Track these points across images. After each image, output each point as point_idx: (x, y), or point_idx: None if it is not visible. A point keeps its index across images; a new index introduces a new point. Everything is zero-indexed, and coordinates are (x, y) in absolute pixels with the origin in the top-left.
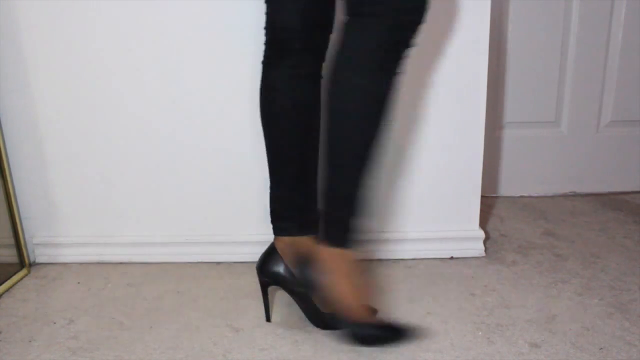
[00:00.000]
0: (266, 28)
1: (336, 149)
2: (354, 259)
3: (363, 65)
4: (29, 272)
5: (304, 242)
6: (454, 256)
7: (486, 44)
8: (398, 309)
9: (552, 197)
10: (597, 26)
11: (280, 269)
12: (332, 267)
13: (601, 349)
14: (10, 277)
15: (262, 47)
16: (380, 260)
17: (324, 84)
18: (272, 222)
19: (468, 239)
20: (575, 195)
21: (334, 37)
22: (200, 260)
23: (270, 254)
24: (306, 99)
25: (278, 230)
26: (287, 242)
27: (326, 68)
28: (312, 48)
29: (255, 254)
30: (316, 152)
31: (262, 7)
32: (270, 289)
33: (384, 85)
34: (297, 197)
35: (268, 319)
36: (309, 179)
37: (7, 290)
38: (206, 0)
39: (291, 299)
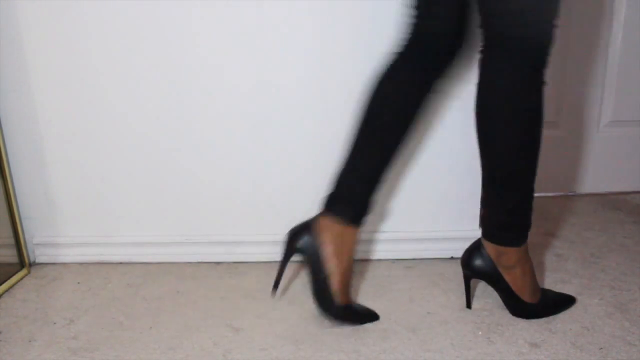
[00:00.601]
0: (413, 24)
1: (504, 169)
2: (526, 251)
3: (517, 94)
4: (29, 272)
5: (345, 231)
6: (454, 256)
7: None
8: (398, 308)
9: (552, 197)
10: (597, 26)
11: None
12: (514, 262)
13: (601, 348)
14: (10, 277)
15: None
16: (380, 260)
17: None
18: (329, 201)
19: (468, 239)
20: (575, 195)
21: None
22: (200, 260)
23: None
24: (419, 105)
25: (333, 210)
26: (327, 224)
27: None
28: (447, 59)
29: (255, 254)
30: (397, 157)
31: (264, 6)
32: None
33: (538, 103)
34: (366, 190)
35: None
36: (382, 178)
37: (7, 290)
38: (206, 1)
39: (290, 299)
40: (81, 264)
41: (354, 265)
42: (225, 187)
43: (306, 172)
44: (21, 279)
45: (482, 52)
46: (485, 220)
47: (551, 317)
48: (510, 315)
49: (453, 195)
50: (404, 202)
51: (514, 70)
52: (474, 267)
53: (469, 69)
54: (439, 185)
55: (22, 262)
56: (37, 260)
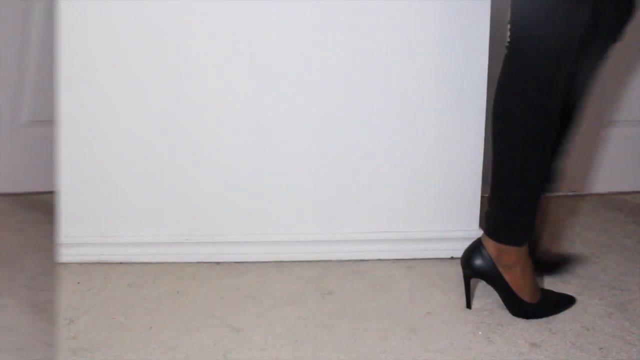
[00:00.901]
0: None
1: (508, 161)
2: (527, 251)
3: (536, 94)
4: None
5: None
6: (454, 256)
7: (486, 44)
8: (398, 308)
9: (552, 197)
10: None
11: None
12: (514, 262)
13: (601, 348)
14: None
15: None
16: (380, 260)
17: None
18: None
19: (468, 239)
20: (575, 195)
21: None
22: (200, 260)
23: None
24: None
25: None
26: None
27: None
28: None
29: (255, 254)
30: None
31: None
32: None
33: (555, 104)
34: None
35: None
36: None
37: None
38: (206, 2)
39: (290, 299)
40: (81, 264)
41: None
42: (225, 187)
43: (305, 171)
44: None
45: (507, 47)
46: (489, 218)
47: (551, 317)
48: (510, 315)
49: (453, 195)
50: (404, 202)
51: (534, 69)
52: (474, 267)
53: (465, 66)
54: (440, 185)
55: None
56: None
